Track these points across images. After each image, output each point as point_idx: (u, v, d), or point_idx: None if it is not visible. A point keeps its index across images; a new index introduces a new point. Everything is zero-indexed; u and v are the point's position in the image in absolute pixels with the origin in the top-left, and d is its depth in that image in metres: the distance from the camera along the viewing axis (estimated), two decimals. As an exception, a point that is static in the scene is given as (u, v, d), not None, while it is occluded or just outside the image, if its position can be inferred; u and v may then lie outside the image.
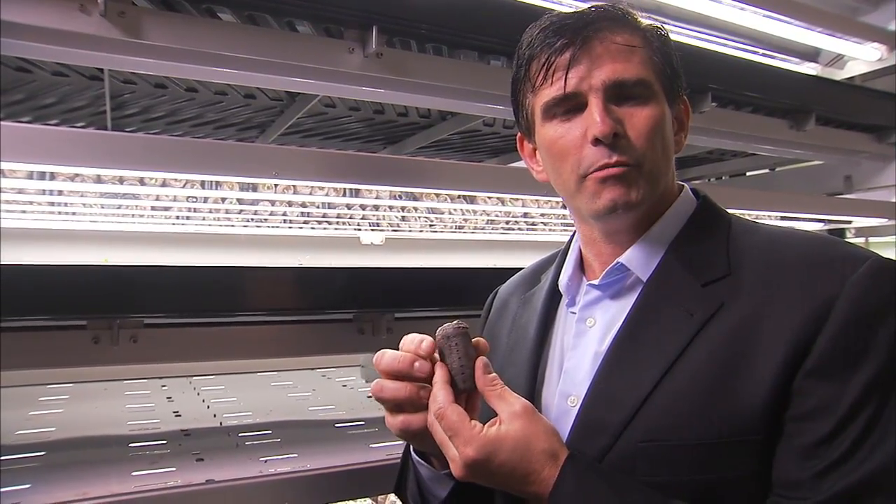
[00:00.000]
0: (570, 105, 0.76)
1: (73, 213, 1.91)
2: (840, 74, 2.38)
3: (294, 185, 1.50)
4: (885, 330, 0.64)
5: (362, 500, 1.96)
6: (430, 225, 2.41)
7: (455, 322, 0.76)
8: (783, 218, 2.35)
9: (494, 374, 0.74)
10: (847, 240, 1.83)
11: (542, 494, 0.69)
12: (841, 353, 0.64)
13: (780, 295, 0.69)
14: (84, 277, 1.11)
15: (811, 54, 2.44)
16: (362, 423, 1.56)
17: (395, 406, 0.76)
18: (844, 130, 2.10)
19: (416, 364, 0.74)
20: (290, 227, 2.36)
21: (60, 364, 1.13)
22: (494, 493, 0.82)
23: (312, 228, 2.37)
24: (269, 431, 1.46)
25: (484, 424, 0.71)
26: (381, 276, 1.36)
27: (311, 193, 1.50)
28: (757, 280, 0.71)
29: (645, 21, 0.80)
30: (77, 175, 1.31)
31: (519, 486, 0.70)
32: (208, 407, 1.75)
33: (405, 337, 0.77)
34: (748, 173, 2.76)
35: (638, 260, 0.79)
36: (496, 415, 0.72)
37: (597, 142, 0.74)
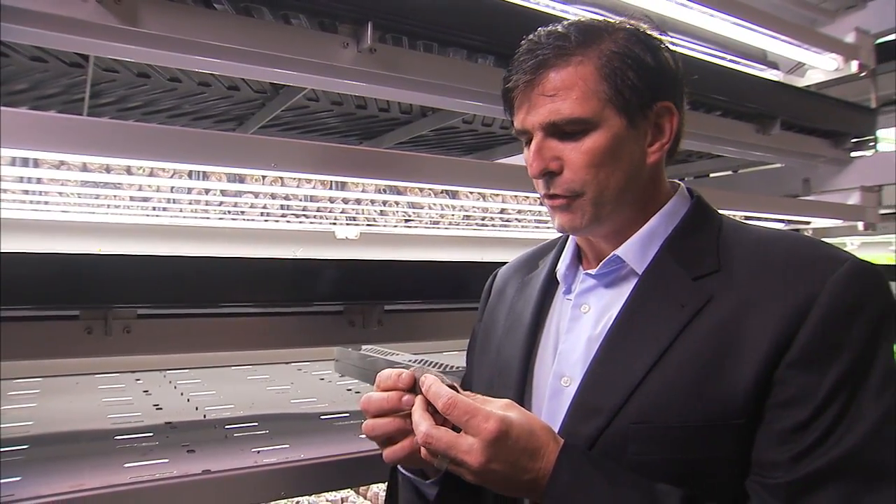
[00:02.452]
0: (528, 137, 0.85)
1: (47, 203, 1.86)
2: (800, 82, 2.50)
3: (281, 178, 1.50)
4: (860, 326, 0.70)
5: (346, 491, 1.97)
6: (407, 220, 2.43)
7: (424, 365, 0.82)
8: (747, 218, 2.46)
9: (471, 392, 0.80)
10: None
11: (546, 470, 0.73)
12: (819, 346, 0.70)
13: (765, 291, 0.74)
14: (77, 266, 1.10)
15: (773, 62, 2.55)
16: (347, 414, 1.58)
17: (387, 440, 0.82)
18: (804, 135, 2.21)
19: (404, 399, 0.79)
20: (265, 221, 2.34)
21: (53, 355, 1.11)
22: (483, 494, 0.86)
23: (288, 222, 2.36)
24: (256, 424, 1.46)
25: None
26: (373, 268, 1.37)
27: (298, 186, 1.50)
28: (744, 276, 0.77)
29: (617, 33, 0.82)
30: (63, 163, 1.28)
31: (529, 462, 0.73)
32: (188, 400, 1.73)
33: (380, 374, 0.83)
34: (712, 174, 2.87)
35: (633, 253, 0.84)
36: None
37: (535, 177, 0.84)
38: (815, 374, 0.69)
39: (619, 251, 0.85)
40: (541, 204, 2.24)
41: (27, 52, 1.50)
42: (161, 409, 1.62)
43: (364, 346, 2.60)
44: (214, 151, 1.15)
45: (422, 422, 0.75)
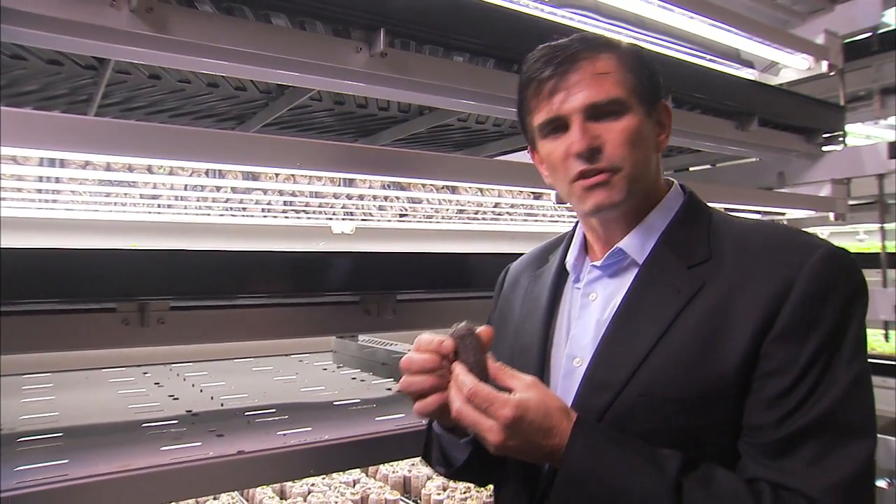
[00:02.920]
0: (557, 125, 0.92)
1: (55, 201, 1.90)
2: (774, 80, 2.64)
3: (293, 176, 1.57)
4: (833, 304, 0.81)
5: (357, 473, 2.05)
6: (402, 215, 2.51)
7: (464, 323, 0.90)
8: (725, 209, 2.58)
9: (500, 362, 0.88)
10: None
11: (561, 445, 0.82)
12: (798, 323, 0.80)
13: (751, 276, 0.85)
14: (113, 262, 1.16)
15: (749, 61, 2.68)
16: (358, 400, 1.66)
17: (420, 395, 0.89)
18: (779, 131, 2.34)
19: (445, 363, 0.88)
20: (264, 217, 2.40)
21: (91, 346, 1.17)
22: (506, 459, 0.95)
23: (287, 217, 2.43)
24: (274, 410, 1.53)
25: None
26: (387, 260, 1.45)
27: (309, 183, 1.57)
28: (733, 264, 0.87)
29: (624, 43, 0.95)
30: (67, 161, 1.34)
31: (545, 439, 0.82)
32: (201, 391, 1.79)
33: (420, 338, 0.91)
34: (692, 168, 2.99)
35: (634, 245, 0.94)
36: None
37: (578, 155, 0.90)
38: (795, 347, 0.79)
39: (622, 244, 0.95)
40: (535, 198, 2.34)
41: (44, 56, 1.55)
42: (178, 399, 1.68)
43: (361, 337, 2.68)
44: (236, 151, 1.21)
45: (467, 379, 0.84)
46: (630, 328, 0.89)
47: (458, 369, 0.86)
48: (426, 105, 2.02)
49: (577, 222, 1.06)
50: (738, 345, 0.81)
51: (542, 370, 0.98)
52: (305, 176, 1.57)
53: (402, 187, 1.78)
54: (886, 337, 2.87)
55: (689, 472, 0.77)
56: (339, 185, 1.63)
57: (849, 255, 0.85)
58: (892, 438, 2.60)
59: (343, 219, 2.55)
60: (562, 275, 1.05)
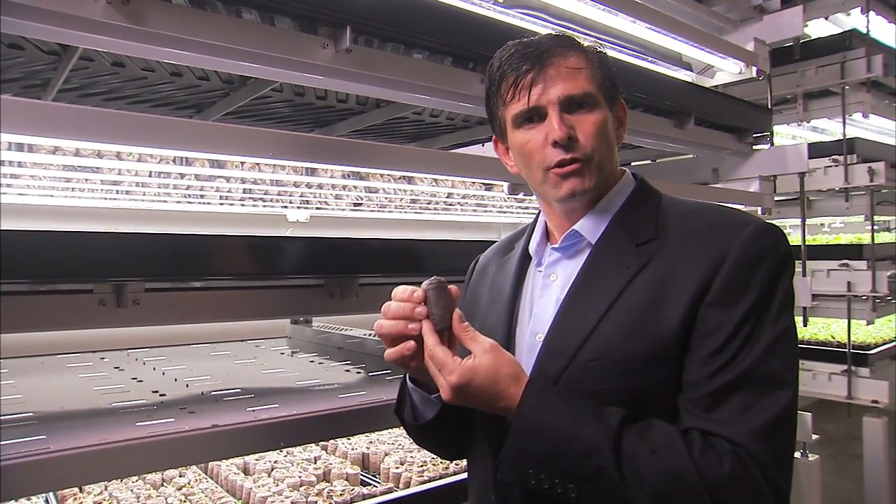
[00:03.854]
0: (534, 115, 1.01)
1: (10, 186, 1.89)
2: (709, 82, 2.82)
3: (258, 164, 1.62)
4: (762, 272, 0.92)
5: (317, 450, 2.11)
6: (357, 204, 2.58)
7: (435, 277, 0.99)
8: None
9: (467, 323, 0.98)
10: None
11: (510, 408, 0.92)
12: (730, 289, 0.91)
13: (691, 251, 0.96)
14: (90, 244, 1.20)
15: (688, 63, 2.86)
16: (319, 381, 1.73)
17: (392, 340, 0.99)
18: (713, 130, 2.53)
19: (417, 310, 0.97)
20: (221, 204, 2.43)
21: (70, 325, 1.21)
22: (473, 413, 1.06)
23: (243, 205, 2.46)
24: (240, 390, 1.58)
25: (463, 359, 0.94)
26: (350, 245, 1.53)
27: (273, 171, 1.62)
28: (676, 241, 0.98)
29: (587, 44, 1.06)
30: (57, 149, 1.36)
31: (493, 403, 0.93)
32: (163, 374, 1.83)
33: (397, 289, 1.00)
34: (633, 163, 3.16)
35: (588, 228, 1.05)
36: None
37: (555, 144, 0.99)
38: (727, 311, 0.91)
39: (577, 226, 1.05)
40: (487, 189, 2.45)
41: (5, 39, 1.55)
42: (142, 381, 1.71)
43: (315, 323, 2.74)
44: (196, 139, 1.25)
45: (429, 339, 0.95)
46: (582, 301, 0.99)
47: (426, 327, 0.96)
48: (385, 99, 2.09)
49: (539, 212, 1.16)
50: (677, 310, 0.91)
51: (507, 347, 1.07)
52: (269, 165, 1.63)
53: (360, 177, 1.85)
54: (805, 322, 3.12)
55: (630, 425, 0.88)
56: (301, 174, 1.69)
57: (777, 229, 0.97)
58: (808, 414, 2.84)
59: (299, 207, 2.59)
60: (525, 260, 1.15)
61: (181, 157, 1.52)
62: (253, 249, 1.38)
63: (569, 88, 0.98)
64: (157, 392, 1.56)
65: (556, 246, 1.07)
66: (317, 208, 2.73)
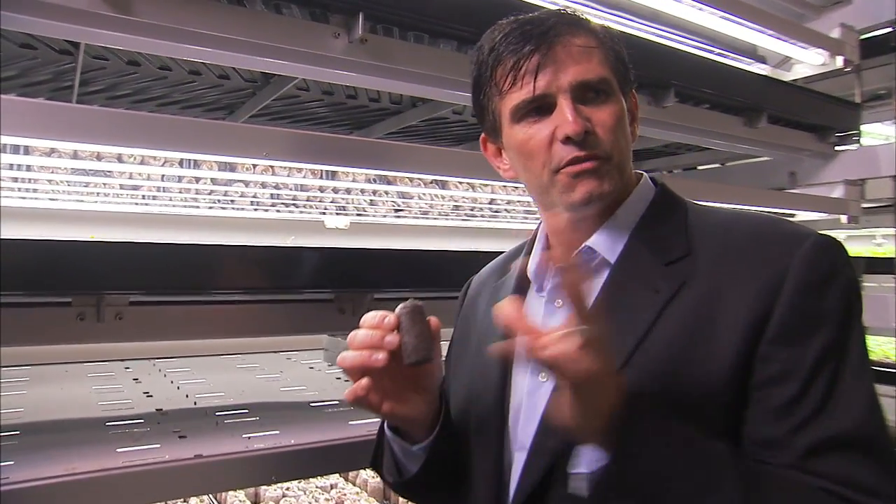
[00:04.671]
0: (539, 106, 0.81)
1: (35, 191, 1.85)
2: (787, 76, 2.53)
3: (272, 167, 1.51)
4: (834, 296, 0.72)
5: (335, 477, 1.99)
6: (397, 210, 2.44)
7: (411, 301, 0.81)
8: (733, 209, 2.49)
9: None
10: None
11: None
12: (797, 319, 0.72)
13: (735, 271, 0.76)
14: (70, 253, 1.10)
15: (761, 56, 2.58)
16: (337, 402, 1.59)
17: (359, 375, 0.80)
18: (790, 129, 2.24)
19: (387, 339, 0.78)
20: (255, 210, 2.35)
21: (44, 341, 1.12)
22: (469, 460, 0.89)
23: (278, 211, 2.37)
24: (246, 411, 1.47)
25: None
26: (362, 256, 1.39)
27: (288, 175, 1.51)
28: (714, 259, 0.78)
29: (595, 22, 0.86)
30: (53, 150, 1.29)
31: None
32: (178, 388, 1.74)
33: (366, 315, 0.82)
34: (700, 167, 2.90)
35: (604, 243, 0.85)
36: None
37: (567, 140, 0.79)
38: (798, 346, 0.71)
39: (591, 242, 0.85)
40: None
41: (16, 39, 1.50)
42: (151, 396, 1.63)
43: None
44: (203, 139, 1.15)
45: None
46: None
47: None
48: (412, 95, 1.94)
49: (539, 225, 0.97)
50: (727, 348, 0.72)
51: (502, 393, 0.89)
52: (285, 168, 1.51)
53: (388, 181, 1.71)
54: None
55: None
56: (321, 178, 1.56)
57: (840, 244, 0.77)
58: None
59: (336, 214, 2.48)
60: (523, 284, 0.94)
61: (190, 161, 1.41)
62: (251, 260, 1.26)
63: (582, 73, 0.79)
64: (160, 410, 1.46)
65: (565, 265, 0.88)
66: (357, 215, 2.62)
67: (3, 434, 1.22)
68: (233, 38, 1.23)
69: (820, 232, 0.77)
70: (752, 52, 2.52)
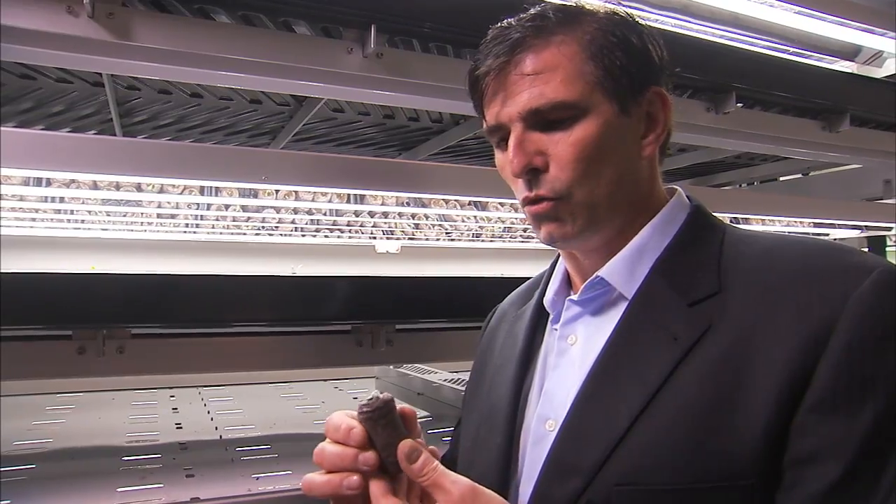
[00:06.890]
0: (502, 134, 0.71)
1: (52, 220, 1.89)
2: (878, 73, 2.26)
3: (296, 192, 1.45)
4: (893, 354, 0.55)
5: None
6: (446, 233, 2.35)
7: (374, 395, 0.64)
8: (817, 224, 2.23)
9: (421, 457, 0.63)
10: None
11: None
12: (846, 382, 0.55)
13: (774, 315, 0.60)
14: (70, 286, 1.08)
15: (848, 52, 2.32)
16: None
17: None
18: (883, 131, 1.98)
19: (361, 458, 0.63)
20: (303, 236, 2.32)
21: (44, 375, 1.09)
22: None
23: (326, 237, 2.34)
24: (269, 446, 1.41)
25: None
26: (381, 285, 1.30)
27: (313, 200, 1.45)
28: (750, 298, 0.62)
29: (599, 13, 0.71)
30: (73, 181, 1.28)
31: None
32: (212, 419, 1.71)
33: (328, 423, 0.66)
34: (781, 178, 2.64)
35: (619, 274, 0.71)
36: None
37: (517, 177, 0.69)
38: (844, 418, 0.55)
39: (603, 272, 0.71)
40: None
41: (52, 74, 1.53)
42: (181, 427, 1.60)
43: (406, 364, 2.53)
44: (213, 166, 1.12)
45: (373, 488, 0.62)
46: (609, 389, 0.66)
47: (374, 489, 0.63)
48: (440, 112, 1.86)
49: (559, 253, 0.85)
50: (758, 415, 0.57)
51: (510, 436, 0.76)
52: (309, 192, 1.45)
53: (423, 204, 1.63)
54: None
55: None
56: (348, 202, 1.49)
57: None
58: None
59: (386, 238, 2.42)
60: (541, 314, 0.82)
61: (211, 188, 1.38)
62: (259, 291, 1.19)
63: (533, 98, 0.67)
64: (181, 444, 1.42)
65: (576, 298, 0.75)
66: (409, 239, 2.55)
67: (14, 468, 1.21)
68: (243, 60, 1.19)
69: (889, 264, 0.60)
70: (834, 49, 2.27)
